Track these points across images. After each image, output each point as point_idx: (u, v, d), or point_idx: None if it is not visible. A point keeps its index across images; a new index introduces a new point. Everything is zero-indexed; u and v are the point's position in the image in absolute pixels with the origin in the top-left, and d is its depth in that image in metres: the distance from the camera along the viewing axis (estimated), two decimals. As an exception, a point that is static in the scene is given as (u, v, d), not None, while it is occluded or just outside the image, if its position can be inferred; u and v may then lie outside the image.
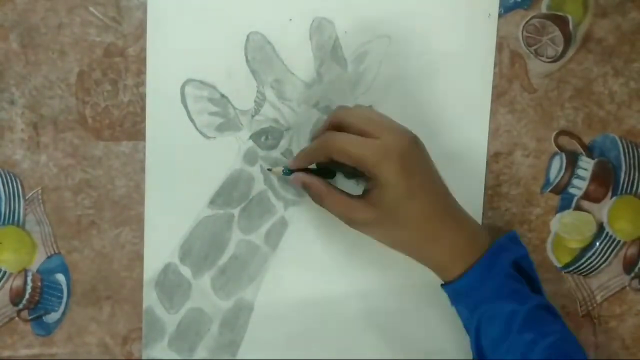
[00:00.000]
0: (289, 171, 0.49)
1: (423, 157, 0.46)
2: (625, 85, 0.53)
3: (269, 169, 0.51)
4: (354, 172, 0.48)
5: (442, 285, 0.47)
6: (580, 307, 0.54)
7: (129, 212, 0.51)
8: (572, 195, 0.53)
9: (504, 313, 0.45)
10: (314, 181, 0.48)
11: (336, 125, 0.47)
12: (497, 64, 0.52)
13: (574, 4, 0.52)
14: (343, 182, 0.51)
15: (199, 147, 0.50)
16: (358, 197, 0.47)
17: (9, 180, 0.50)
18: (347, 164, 0.45)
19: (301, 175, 0.48)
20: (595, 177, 0.53)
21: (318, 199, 0.48)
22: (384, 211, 0.45)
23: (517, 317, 0.44)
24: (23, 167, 0.50)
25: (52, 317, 0.51)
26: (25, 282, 0.51)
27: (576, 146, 0.53)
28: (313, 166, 0.49)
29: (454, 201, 0.47)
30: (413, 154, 0.45)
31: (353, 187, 0.51)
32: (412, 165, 0.45)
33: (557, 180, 0.53)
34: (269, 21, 0.50)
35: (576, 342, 0.46)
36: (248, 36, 0.50)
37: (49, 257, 0.51)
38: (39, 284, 0.51)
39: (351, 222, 0.47)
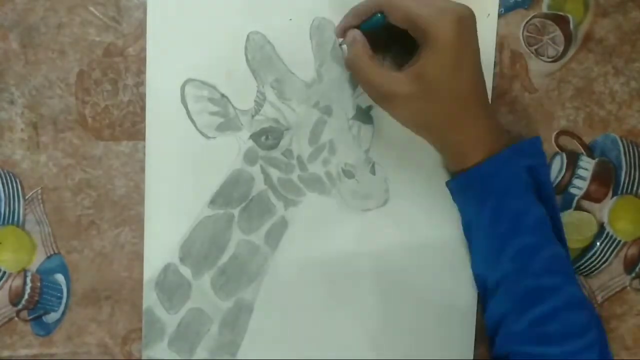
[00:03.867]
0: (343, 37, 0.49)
1: (475, 33, 0.45)
2: (626, 85, 0.53)
3: (340, 44, 0.50)
4: (390, 42, 0.48)
5: (449, 181, 0.47)
6: (581, 307, 0.54)
7: (128, 212, 0.51)
8: (573, 195, 0.53)
9: (512, 210, 0.45)
10: (362, 41, 0.47)
11: None
12: (498, 63, 0.52)
13: (574, 3, 0.52)
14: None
15: (199, 147, 0.50)
16: (395, 68, 0.45)
17: (9, 180, 0.50)
18: (397, 22, 0.44)
19: (355, 32, 0.47)
20: (596, 177, 0.53)
21: (355, 61, 0.46)
22: (425, 83, 0.43)
23: (525, 218, 0.44)
24: (23, 167, 0.50)
25: (51, 317, 0.51)
26: (24, 282, 0.51)
27: (577, 146, 0.53)
28: None
29: (486, 90, 0.47)
30: (470, 23, 0.44)
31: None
32: (468, 35, 0.44)
33: (557, 180, 0.53)
34: (269, 21, 0.50)
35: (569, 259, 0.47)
36: (248, 36, 0.50)
37: (48, 257, 0.51)
38: (39, 284, 0.51)
39: (388, 96, 0.45)
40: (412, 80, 0.44)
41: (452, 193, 0.49)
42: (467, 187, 0.47)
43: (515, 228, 0.45)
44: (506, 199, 0.45)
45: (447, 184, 0.48)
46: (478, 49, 0.45)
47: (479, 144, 0.46)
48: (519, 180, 0.45)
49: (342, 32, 0.49)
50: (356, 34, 0.47)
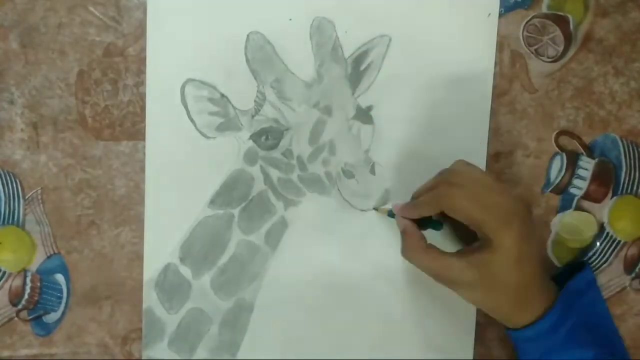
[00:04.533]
0: (393, 213, 0.50)
1: (533, 225, 0.45)
2: (625, 85, 0.53)
3: (375, 209, 0.51)
4: (449, 225, 0.49)
5: (506, 329, 0.47)
6: (581, 307, 0.54)
7: (128, 212, 0.51)
8: (573, 196, 0.53)
9: None
10: (414, 234, 0.47)
11: (448, 181, 0.46)
12: (498, 63, 0.52)
13: (574, 3, 0.52)
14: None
15: (199, 147, 0.50)
16: (455, 255, 0.46)
17: (9, 180, 0.50)
18: (459, 219, 0.44)
19: (407, 223, 0.48)
20: (596, 177, 0.53)
21: (410, 253, 0.47)
22: (485, 274, 0.44)
23: None
24: (23, 167, 0.50)
25: (51, 317, 0.51)
26: (24, 282, 0.51)
27: (577, 146, 0.53)
28: None
29: (545, 267, 0.47)
30: (530, 220, 0.45)
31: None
32: (529, 232, 0.44)
33: (557, 181, 0.53)
34: (269, 21, 0.50)
35: None
36: (248, 36, 0.50)
37: (48, 257, 0.51)
38: (38, 284, 0.51)
39: (444, 280, 0.46)
40: (474, 269, 0.44)
41: (512, 340, 0.49)
42: (523, 342, 0.47)
43: None
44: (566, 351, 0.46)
45: (508, 332, 0.48)
46: (535, 238, 0.46)
47: (536, 309, 0.46)
48: (573, 334, 0.46)
49: (398, 214, 0.49)
50: (407, 226, 0.48)
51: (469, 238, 0.47)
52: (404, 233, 0.48)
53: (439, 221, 0.49)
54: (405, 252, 0.48)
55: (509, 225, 0.43)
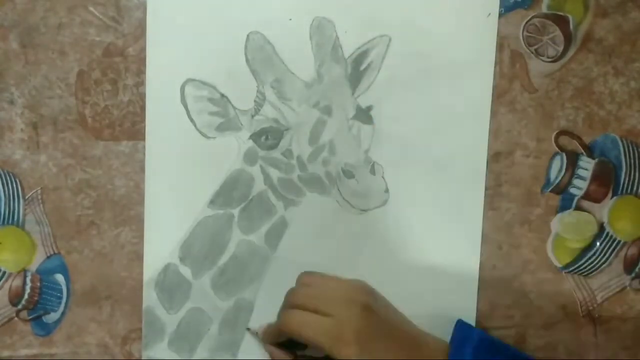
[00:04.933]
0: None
1: (379, 319, 0.46)
2: (625, 85, 0.53)
3: (247, 329, 0.51)
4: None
5: None
6: (581, 307, 0.54)
7: (128, 212, 0.51)
8: (573, 195, 0.53)
9: None
10: (281, 353, 0.49)
11: (286, 303, 0.48)
12: (498, 63, 0.52)
13: (574, 3, 0.52)
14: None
15: (199, 147, 0.50)
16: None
17: (9, 180, 0.50)
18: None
19: (270, 347, 0.50)
20: (596, 177, 0.53)
21: None
22: None
23: None
24: (23, 167, 0.50)
25: (51, 317, 0.51)
26: (24, 282, 0.51)
27: (576, 146, 0.53)
28: None
29: (415, 333, 0.47)
30: (369, 324, 0.45)
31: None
32: (371, 338, 0.44)
33: (557, 180, 0.53)
34: (269, 21, 0.50)
35: None
36: (248, 36, 0.50)
37: (48, 257, 0.51)
38: (38, 284, 0.51)
39: None
40: None
41: None
42: None
43: None
44: None
45: None
46: (387, 325, 0.46)
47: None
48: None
49: (265, 340, 0.51)
50: (271, 349, 0.50)
51: None
52: (272, 355, 0.50)
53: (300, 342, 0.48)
54: None
55: (343, 341, 0.43)
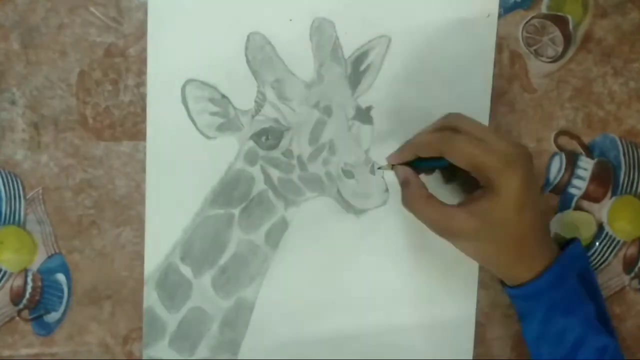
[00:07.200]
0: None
1: (533, 171, 0.45)
2: (625, 85, 0.53)
3: (379, 168, 0.50)
4: (453, 176, 0.49)
5: (506, 289, 0.47)
6: (580, 306, 0.54)
7: (129, 212, 0.51)
8: (572, 195, 0.54)
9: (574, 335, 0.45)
10: (415, 183, 0.47)
11: (449, 128, 0.45)
12: (497, 64, 0.52)
13: (573, 4, 0.53)
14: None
15: (200, 147, 0.51)
16: (456, 205, 0.45)
17: (10, 180, 0.50)
18: (461, 166, 0.44)
19: (407, 171, 0.47)
20: (595, 177, 0.53)
21: (411, 203, 0.46)
22: (487, 222, 0.43)
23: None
24: (24, 167, 0.50)
25: (52, 317, 0.51)
26: (25, 282, 0.51)
27: (576, 146, 0.53)
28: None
29: (547, 220, 0.48)
30: (530, 164, 0.44)
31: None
32: (531, 180, 0.44)
33: (556, 180, 0.53)
34: (269, 21, 0.50)
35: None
36: (248, 36, 0.50)
37: (49, 257, 0.51)
38: (40, 283, 0.51)
39: (446, 232, 0.45)
40: (474, 218, 0.44)
41: (511, 298, 0.49)
42: (528, 297, 0.47)
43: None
44: (557, 314, 0.46)
45: (508, 290, 0.48)
46: (537, 186, 0.46)
47: (536, 265, 0.46)
48: (574, 291, 0.46)
49: (394, 161, 0.48)
50: (409, 174, 0.47)
51: (467, 193, 0.46)
52: (404, 183, 0.47)
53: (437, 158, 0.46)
54: (406, 202, 0.47)
55: (512, 168, 0.43)
